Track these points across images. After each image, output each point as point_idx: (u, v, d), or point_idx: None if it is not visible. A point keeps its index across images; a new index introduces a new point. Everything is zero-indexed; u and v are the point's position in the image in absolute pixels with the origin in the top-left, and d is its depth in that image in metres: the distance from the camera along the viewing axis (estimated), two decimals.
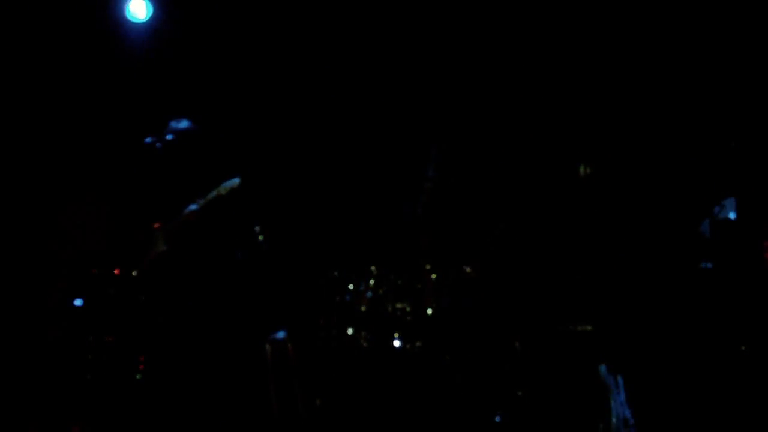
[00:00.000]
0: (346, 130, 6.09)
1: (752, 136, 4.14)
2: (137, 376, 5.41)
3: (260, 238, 4.42)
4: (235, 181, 4.54)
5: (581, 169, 5.17)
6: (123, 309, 5.67)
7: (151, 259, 4.69)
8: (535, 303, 4.23)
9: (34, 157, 6.38)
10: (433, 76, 5.74)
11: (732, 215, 4.15)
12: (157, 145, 4.64)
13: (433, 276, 4.15)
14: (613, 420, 3.82)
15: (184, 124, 4.74)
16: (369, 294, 4.20)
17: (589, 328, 4.37)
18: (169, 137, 4.68)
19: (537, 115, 5.01)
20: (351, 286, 4.32)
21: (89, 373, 5.65)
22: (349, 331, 4.22)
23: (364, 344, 4.14)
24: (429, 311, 4.10)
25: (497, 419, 3.94)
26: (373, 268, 4.27)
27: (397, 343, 4.05)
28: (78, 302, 5.87)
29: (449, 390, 3.92)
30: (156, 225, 4.72)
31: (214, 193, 4.55)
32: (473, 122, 4.35)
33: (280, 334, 4.41)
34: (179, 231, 4.64)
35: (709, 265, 4.19)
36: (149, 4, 5.72)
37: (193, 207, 4.59)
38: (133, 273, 4.72)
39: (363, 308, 4.19)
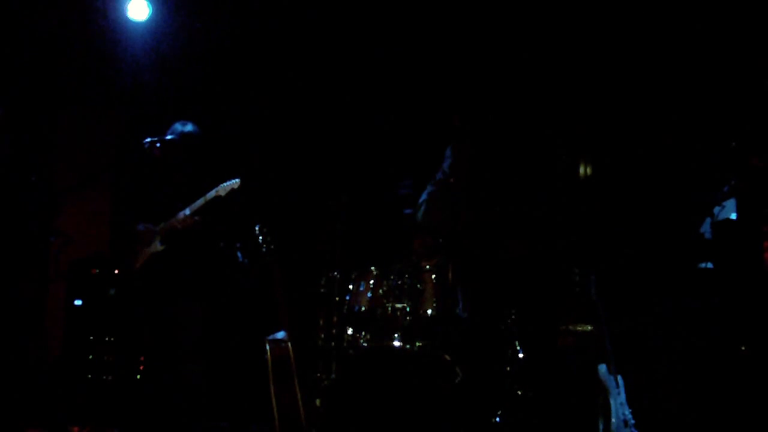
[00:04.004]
0: (346, 130, 6.09)
1: (752, 136, 4.14)
2: (137, 376, 5.41)
3: (260, 238, 4.42)
4: (235, 182, 4.55)
5: (582, 169, 5.17)
6: (123, 309, 5.67)
7: (147, 259, 4.71)
8: (535, 303, 4.23)
9: (35, 157, 6.38)
10: (434, 75, 5.74)
11: (732, 215, 4.14)
12: (157, 145, 4.65)
13: (434, 276, 4.14)
14: (613, 420, 3.82)
15: (189, 127, 4.75)
16: (369, 294, 4.19)
17: (589, 328, 4.37)
18: (168, 137, 4.69)
19: (537, 116, 5.01)
20: (351, 286, 4.32)
21: (89, 373, 5.65)
22: (349, 331, 4.21)
23: (364, 344, 4.13)
24: (429, 311, 4.09)
25: (497, 419, 3.94)
26: (373, 268, 4.26)
27: (397, 343, 4.04)
28: (78, 302, 5.87)
29: (449, 390, 3.91)
30: (155, 225, 4.74)
31: (212, 194, 4.57)
32: (473, 122, 4.35)
33: (280, 334, 4.41)
34: (178, 231, 4.65)
35: (709, 265, 4.19)
36: (149, 4, 5.72)
37: (192, 207, 4.60)
38: (130, 273, 4.71)
39: (363, 308, 4.18)
